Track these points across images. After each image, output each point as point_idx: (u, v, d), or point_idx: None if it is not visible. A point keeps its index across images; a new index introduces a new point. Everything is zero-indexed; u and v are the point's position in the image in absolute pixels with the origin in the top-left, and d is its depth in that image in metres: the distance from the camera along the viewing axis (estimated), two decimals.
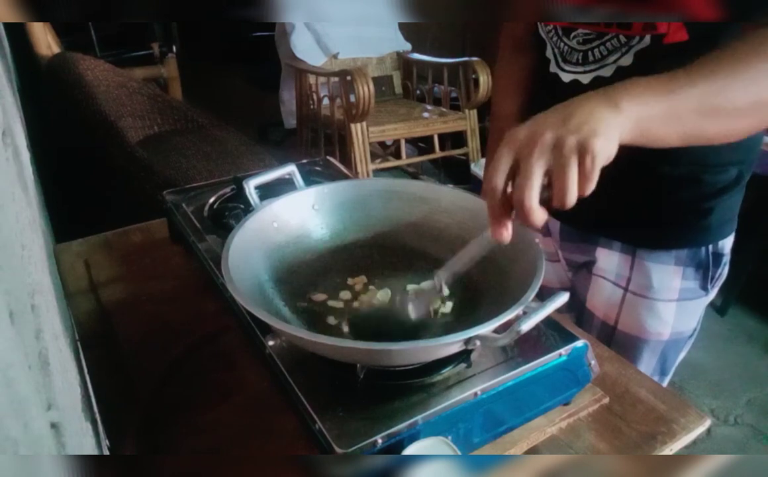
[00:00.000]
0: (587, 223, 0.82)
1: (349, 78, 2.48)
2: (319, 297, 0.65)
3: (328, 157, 1.11)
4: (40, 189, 1.20)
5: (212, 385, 0.63)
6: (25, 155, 0.88)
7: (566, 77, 0.75)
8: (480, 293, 0.63)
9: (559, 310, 0.50)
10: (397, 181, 0.77)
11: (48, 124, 1.82)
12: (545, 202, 0.46)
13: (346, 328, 0.61)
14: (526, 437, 0.57)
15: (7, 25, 1.51)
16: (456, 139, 2.91)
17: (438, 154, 2.89)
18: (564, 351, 0.57)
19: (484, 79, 2.68)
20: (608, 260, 0.81)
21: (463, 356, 0.55)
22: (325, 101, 2.85)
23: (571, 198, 0.45)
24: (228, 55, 5.32)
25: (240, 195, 0.80)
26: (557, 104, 0.49)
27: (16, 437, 0.24)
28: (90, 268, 0.86)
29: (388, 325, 0.61)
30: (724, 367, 1.96)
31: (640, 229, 0.78)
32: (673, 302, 0.78)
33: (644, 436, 0.58)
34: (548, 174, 0.46)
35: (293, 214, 0.71)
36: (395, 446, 0.48)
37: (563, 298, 0.49)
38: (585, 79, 0.73)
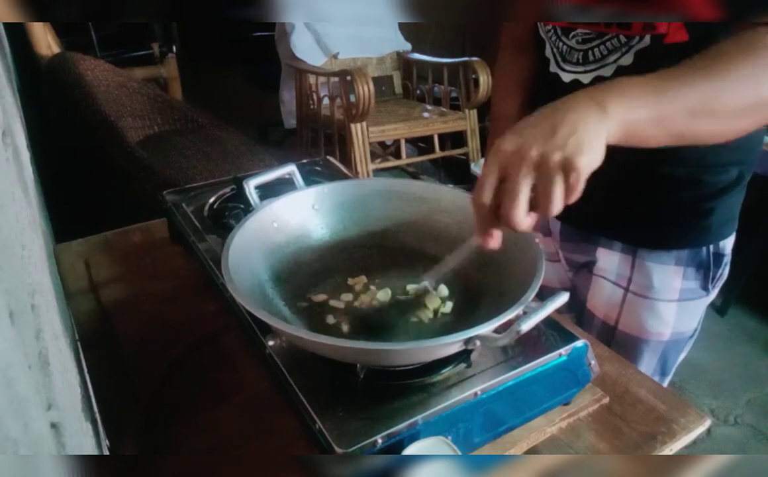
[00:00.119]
0: (588, 223, 0.82)
1: (349, 78, 2.48)
2: (319, 297, 0.65)
3: (328, 157, 1.11)
4: (40, 189, 1.20)
5: (212, 385, 0.63)
6: (25, 155, 0.89)
7: (567, 77, 0.75)
8: (480, 293, 0.64)
9: (559, 310, 0.50)
10: (397, 181, 0.77)
11: (48, 124, 1.82)
12: (532, 208, 0.48)
13: (346, 328, 0.61)
14: (526, 437, 0.57)
15: (7, 25, 1.51)
16: (456, 139, 2.91)
17: (438, 154, 2.89)
18: (564, 351, 0.57)
19: (484, 79, 2.68)
20: (609, 260, 0.81)
21: (463, 356, 0.55)
22: (325, 101, 2.85)
23: (556, 211, 0.46)
24: (228, 55, 5.31)
25: (240, 195, 0.80)
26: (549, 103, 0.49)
27: (16, 437, 0.23)
28: (90, 268, 0.86)
29: (388, 325, 0.61)
30: (724, 367, 1.96)
31: (641, 230, 0.78)
32: (674, 302, 0.78)
33: (644, 436, 0.58)
34: (534, 188, 0.47)
35: (293, 214, 0.71)
36: (395, 446, 0.48)
37: (563, 298, 0.50)
38: (586, 78, 0.73)
